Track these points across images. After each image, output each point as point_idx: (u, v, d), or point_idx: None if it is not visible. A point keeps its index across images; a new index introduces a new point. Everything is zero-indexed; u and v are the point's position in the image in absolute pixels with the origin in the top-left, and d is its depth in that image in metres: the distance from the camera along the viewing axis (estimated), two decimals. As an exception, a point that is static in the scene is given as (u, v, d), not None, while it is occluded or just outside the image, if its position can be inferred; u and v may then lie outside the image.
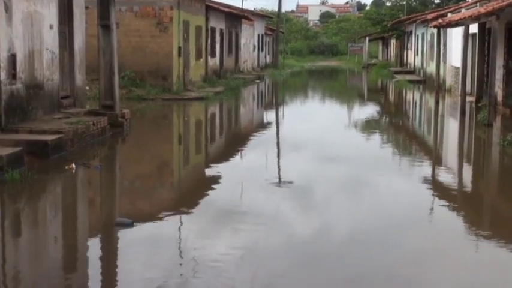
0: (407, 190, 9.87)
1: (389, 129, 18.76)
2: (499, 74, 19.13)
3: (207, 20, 29.82)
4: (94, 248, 6.98)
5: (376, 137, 16.70)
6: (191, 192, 9.73)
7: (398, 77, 37.36)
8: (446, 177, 11.24)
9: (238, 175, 10.65)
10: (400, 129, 18.53)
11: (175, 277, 5.84)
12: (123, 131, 14.84)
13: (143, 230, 7.40)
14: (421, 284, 5.80)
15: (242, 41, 40.52)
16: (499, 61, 18.81)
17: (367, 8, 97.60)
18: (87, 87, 18.56)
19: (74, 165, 10.46)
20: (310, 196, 9.34)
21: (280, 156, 12.95)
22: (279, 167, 11.69)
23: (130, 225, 7.34)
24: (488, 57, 20.16)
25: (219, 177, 10.69)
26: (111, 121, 14.32)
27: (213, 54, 31.58)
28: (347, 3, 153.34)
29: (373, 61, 61.27)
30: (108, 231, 7.47)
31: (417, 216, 8.19)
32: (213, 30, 31.57)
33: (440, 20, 25.49)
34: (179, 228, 7.54)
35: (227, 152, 13.55)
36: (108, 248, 7.00)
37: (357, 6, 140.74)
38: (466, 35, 20.08)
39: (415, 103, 27.03)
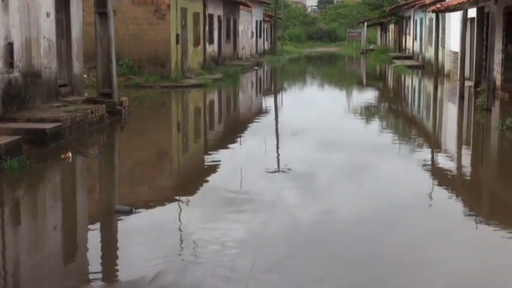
0: (407, 175, 9.87)
1: (388, 115, 18.75)
2: (498, 58, 19.11)
3: (204, 6, 29.71)
4: (93, 235, 6.99)
5: (376, 123, 16.70)
6: (190, 179, 9.74)
7: (397, 62, 37.31)
8: (445, 161, 11.25)
9: (238, 161, 10.64)
10: (399, 115, 18.52)
11: (175, 263, 5.85)
12: (122, 118, 14.83)
13: (142, 217, 7.41)
14: (422, 267, 5.82)
15: (240, 27, 40.41)
16: (498, 45, 18.78)
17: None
18: (85, 75, 18.53)
19: (70, 154, 10.44)
20: (310, 181, 9.34)
21: (279, 143, 12.94)
22: (278, 153, 11.69)
23: (129, 212, 7.35)
24: (486, 42, 20.11)
25: (218, 163, 10.69)
26: (109, 109, 14.30)
27: (211, 41, 31.51)
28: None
29: (371, 47, 61.15)
30: (107, 219, 7.48)
31: (416, 200, 8.20)
32: (211, 17, 31.48)
33: (438, 5, 25.43)
34: (178, 215, 7.55)
35: (226, 139, 13.54)
36: (108, 235, 7.01)
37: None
38: (465, 19, 20.03)
39: (414, 88, 27.01)
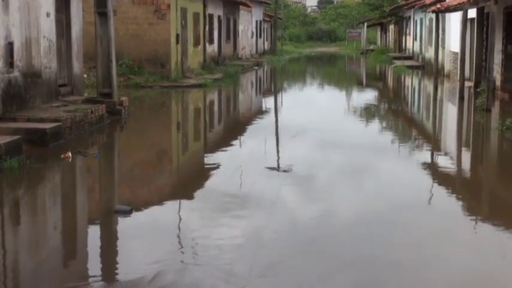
0: (407, 175, 9.87)
1: (388, 115, 18.75)
2: (498, 58, 19.11)
3: (204, 6, 29.71)
4: (93, 235, 6.99)
5: (376, 123, 16.70)
6: (190, 179, 9.73)
7: (397, 62, 37.30)
8: (445, 162, 11.25)
9: (238, 162, 10.64)
10: (399, 115, 18.52)
11: (174, 263, 5.85)
12: (121, 118, 14.83)
13: (142, 217, 7.41)
14: (422, 267, 5.81)
15: (240, 27, 40.41)
16: (498, 46, 18.78)
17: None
18: (85, 75, 18.53)
19: (70, 154, 10.43)
20: (311, 182, 9.33)
21: (280, 143, 12.94)
22: (278, 153, 11.69)
23: (129, 212, 7.35)
24: (486, 42, 20.12)
25: (218, 163, 10.68)
26: (109, 109, 14.30)
27: (211, 41, 31.50)
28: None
29: (371, 47, 61.15)
30: (107, 219, 7.48)
31: (416, 201, 8.19)
32: (211, 17, 31.47)
33: (438, 5, 25.44)
34: (178, 215, 7.55)
35: (227, 139, 13.53)
36: (108, 235, 7.01)
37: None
38: (465, 19, 20.03)
39: (414, 88, 27.01)
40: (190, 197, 8.40)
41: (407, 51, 43.56)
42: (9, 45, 12.05)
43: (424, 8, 32.86)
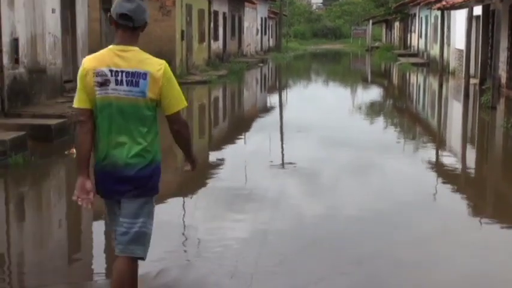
0: (411, 172, 9.86)
1: (393, 112, 18.73)
2: (503, 56, 19.07)
3: (209, 3, 29.71)
4: (98, 231, 6.99)
5: (381, 120, 16.68)
6: (195, 175, 9.71)
7: (402, 59, 37.25)
8: (449, 159, 11.23)
9: (244, 158, 10.65)
10: (404, 112, 18.49)
11: (178, 259, 5.85)
12: (126, 115, 14.81)
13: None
14: (426, 266, 5.81)
15: (245, 24, 40.40)
16: (503, 43, 18.74)
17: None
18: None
19: (74, 150, 10.44)
20: (315, 179, 9.34)
21: (284, 139, 12.94)
22: (283, 150, 11.69)
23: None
24: (492, 40, 20.08)
25: (223, 159, 10.69)
26: (114, 105, 14.29)
27: (216, 38, 31.51)
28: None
29: (376, 44, 61.04)
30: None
31: (421, 199, 8.19)
32: (216, 13, 31.46)
33: (444, 2, 25.35)
34: (183, 211, 7.56)
35: (232, 135, 13.54)
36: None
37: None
38: (470, 17, 19.98)
39: (419, 86, 26.97)
40: (194, 192, 8.41)
41: (412, 48, 43.49)
42: (15, 42, 12.07)
43: (429, 5, 32.78)
